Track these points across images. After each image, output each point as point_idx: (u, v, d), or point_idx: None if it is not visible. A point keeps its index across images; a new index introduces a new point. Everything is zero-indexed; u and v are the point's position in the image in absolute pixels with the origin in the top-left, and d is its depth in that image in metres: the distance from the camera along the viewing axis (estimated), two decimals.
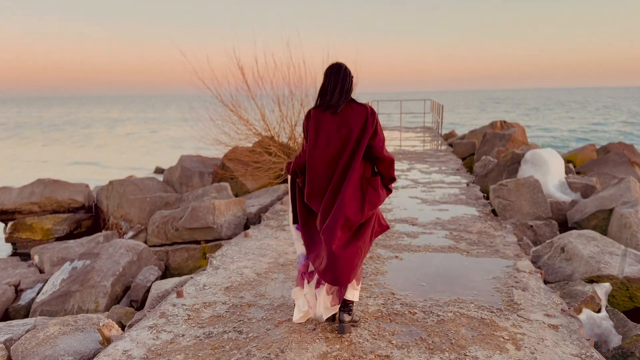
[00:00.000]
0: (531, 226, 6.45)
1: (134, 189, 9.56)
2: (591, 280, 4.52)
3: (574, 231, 5.17)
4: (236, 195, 9.08)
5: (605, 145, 12.82)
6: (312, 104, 9.91)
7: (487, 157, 10.55)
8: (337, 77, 3.00)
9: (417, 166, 10.74)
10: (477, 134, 15.39)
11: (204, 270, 4.67)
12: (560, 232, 6.46)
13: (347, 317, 3.20)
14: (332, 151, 2.99)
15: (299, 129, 9.75)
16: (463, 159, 13.37)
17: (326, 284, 3.10)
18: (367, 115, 2.99)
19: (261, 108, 9.17)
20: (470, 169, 12.30)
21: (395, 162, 3.84)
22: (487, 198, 7.88)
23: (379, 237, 5.46)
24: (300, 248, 3.33)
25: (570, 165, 8.87)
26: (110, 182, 9.91)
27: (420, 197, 7.66)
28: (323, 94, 3.04)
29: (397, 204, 7.20)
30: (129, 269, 5.94)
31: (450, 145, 15.27)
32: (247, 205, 7.90)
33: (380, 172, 3.11)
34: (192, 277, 4.49)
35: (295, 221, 3.35)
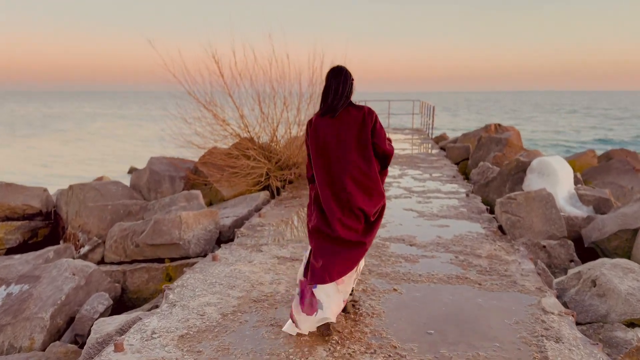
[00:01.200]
0: (544, 247, 5.64)
1: (95, 194, 8.55)
2: (631, 324, 3.71)
3: (605, 260, 4.36)
4: (210, 204, 8.15)
5: (607, 151, 12.14)
6: (295, 102, 9.06)
7: (484, 163, 9.76)
8: (338, 80, 3.08)
9: (410, 172, 9.90)
10: (470, 138, 14.64)
11: (158, 308, 3.75)
12: (577, 254, 5.67)
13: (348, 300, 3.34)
14: (333, 155, 3.06)
15: (282, 130, 8.84)
16: (456, 164, 12.60)
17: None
18: (364, 115, 3.07)
19: (239, 106, 8.25)
20: (465, 175, 11.53)
21: None
22: (491, 211, 7.06)
23: (373, 262, 4.60)
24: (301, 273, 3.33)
25: (578, 175, 8.13)
26: (70, 187, 8.87)
27: (416, 209, 6.81)
28: (325, 96, 3.12)
29: (390, 218, 6.34)
30: (75, 296, 4.98)
31: (442, 148, 14.49)
32: (221, 216, 6.97)
33: (381, 162, 3.24)
34: (140, 319, 3.57)
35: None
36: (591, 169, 11.13)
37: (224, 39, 7.59)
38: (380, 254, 4.89)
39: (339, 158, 3.06)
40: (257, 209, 7.21)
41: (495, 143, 11.82)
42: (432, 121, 16.70)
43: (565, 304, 4.10)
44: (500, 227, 6.01)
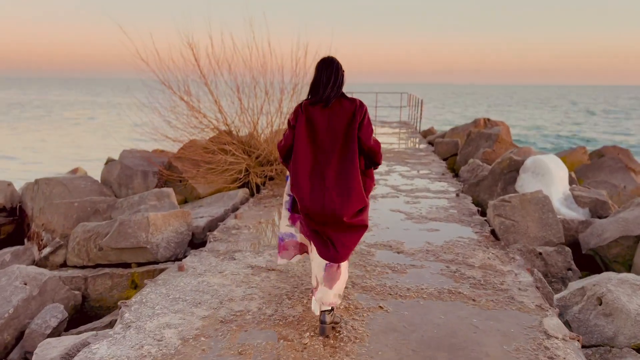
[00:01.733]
0: (540, 254, 5.26)
1: (62, 190, 8.00)
2: None
3: (612, 274, 3.98)
4: (185, 201, 7.65)
5: (599, 149, 11.84)
6: (277, 94, 8.56)
7: (474, 160, 9.38)
8: (329, 70, 3.04)
9: (397, 168, 9.49)
10: (459, 132, 14.26)
11: (111, 330, 3.28)
12: (574, 261, 5.31)
13: (328, 319, 3.19)
14: (321, 146, 3.02)
15: (264, 122, 8.34)
16: (445, 159, 12.22)
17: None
18: (356, 108, 3.04)
19: (217, 97, 7.73)
20: (453, 171, 11.15)
21: None
22: (482, 213, 6.68)
23: (357, 273, 4.17)
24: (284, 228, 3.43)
25: (573, 174, 7.78)
26: (36, 181, 8.30)
27: (404, 210, 6.39)
28: (315, 88, 3.08)
29: (377, 220, 5.92)
30: (25, 308, 4.48)
31: (430, 143, 14.11)
32: (195, 216, 6.48)
33: (366, 159, 3.17)
34: (88, 343, 3.10)
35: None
36: (583, 166, 10.83)
37: (200, 25, 7.05)
38: (365, 263, 4.46)
39: (325, 150, 3.02)
40: (235, 209, 6.73)
41: (485, 139, 11.44)
42: (421, 115, 16.30)
43: (567, 323, 3.71)
44: (492, 232, 5.62)
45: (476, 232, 5.51)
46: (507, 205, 5.66)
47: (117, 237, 5.53)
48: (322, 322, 3.16)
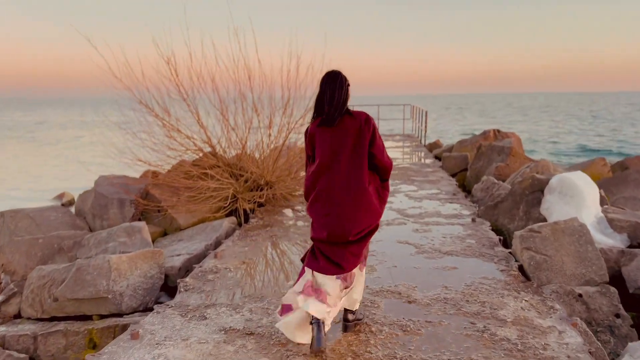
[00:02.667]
0: (580, 295, 4.35)
1: (29, 224, 7.14)
2: None
3: None
4: (165, 234, 6.77)
5: (621, 160, 10.93)
6: (266, 110, 7.72)
7: (489, 177, 8.48)
8: (333, 87, 2.94)
9: (403, 188, 8.60)
10: (467, 145, 13.39)
11: None
12: (623, 305, 4.39)
13: (350, 316, 3.30)
14: (328, 166, 2.94)
15: (253, 142, 7.49)
16: (453, 175, 11.33)
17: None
18: (361, 124, 2.95)
19: (200, 115, 6.89)
20: (464, 188, 10.26)
21: None
22: (504, 243, 5.79)
23: (359, 337, 3.28)
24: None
25: (602, 193, 6.88)
26: (1, 214, 7.46)
27: (414, 241, 5.50)
28: (319, 103, 3.01)
29: (381, 254, 5.04)
30: None
31: (437, 157, 13.24)
32: (170, 253, 5.61)
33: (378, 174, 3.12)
34: None
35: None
36: (604, 180, 9.91)
37: (180, 36, 6.25)
38: (369, 321, 3.55)
39: (331, 170, 2.93)
40: (218, 243, 5.85)
41: (497, 152, 10.56)
42: (425, 127, 15.45)
43: None
44: (521, 268, 4.71)
45: (502, 270, 4.60)
46: (537, 236, 4.75)
47: (73, 286, 4.66)
48: (345, 320, 3.34)
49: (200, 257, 5.48)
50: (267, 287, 4.29)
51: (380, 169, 3.06)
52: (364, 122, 2.95)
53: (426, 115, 15.27)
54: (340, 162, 2.91)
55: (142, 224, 5.79)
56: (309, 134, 3.06)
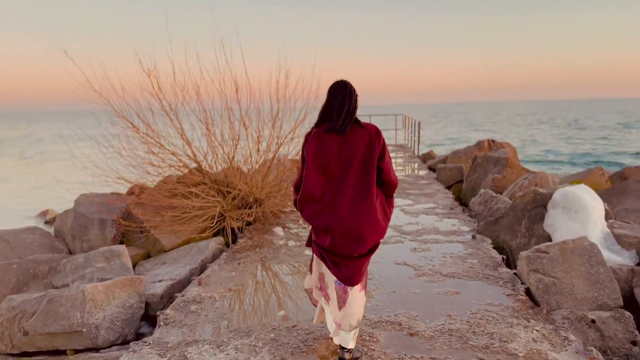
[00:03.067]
0: (593, 321, 4.04)
1: (4, 247, 6.72)
2: None
3: None
4: (148, 256, 6.39)
5: (620, 170, 10.69)
6: (254, 124, 7.41)
7: (486, 190, 8.19)
8: (343, 95, 2.84)
9: (399, 202, 8.29)
10: (461, 156, 13.13)
11: None
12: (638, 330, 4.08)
13: (347, 355, 3.09)
14: (333, 176, 2.83)
15: (241, 157, 7.15)
16: (448, 187, 11.05)
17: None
18: (372, 136, 2.83)
19: (184, 129, 6.55)
20: (460, 201, 9.97)
21: None
22: (507, 262, 5.49)
23: None
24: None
25: (606, 207, 6.60)
26: None
27: (413, 262, 5.17)
28: (327, 113, 2.87)
29: (379, 277, 4.71)
30: None
31: (431, 169, 12.96)
32: (152, 279, 5.24)
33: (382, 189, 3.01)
34: None
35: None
36: (604, 192, 9.64)
37: (163, 47, 5.93)
38: (367, 358, 3.21)
39: (337, 180, 2.82)
40: (203, 267, 5.48)
41: (494, 163, 10.28)
42: (418, 138, 15.18)
43: None
44: (528, 291, 4.40)
45: (508, 295, 4.28)
46: (545, 257, 4.45)
47: (44, 319, 4.27)
48: (341, 359, 3.10)
49: (184, 283, 5.12)
50: (255, 318, 3.93)
51: (387, 184, 2.94)
52: (374, 135, 2.83)
53: (419, 126, 15.02)
54: (349, 175, 2.79)
55: (122, 247, 5.42)
56: (312, 137, 2.88)
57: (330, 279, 3.01)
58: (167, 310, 4.05)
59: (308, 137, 2.94)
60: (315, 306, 3.25)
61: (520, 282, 4.57)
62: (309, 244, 3.14)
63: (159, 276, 5.33)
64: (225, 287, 4.60)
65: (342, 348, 3.10)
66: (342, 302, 2.96)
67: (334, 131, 2.81)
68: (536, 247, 4.60)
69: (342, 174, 2.81)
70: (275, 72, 6.80)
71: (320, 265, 3.07)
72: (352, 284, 2.92)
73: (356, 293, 2.98)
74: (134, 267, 6.00)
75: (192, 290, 4.54)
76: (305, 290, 3.28)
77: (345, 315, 2.98)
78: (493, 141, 13.32)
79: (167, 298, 4.96)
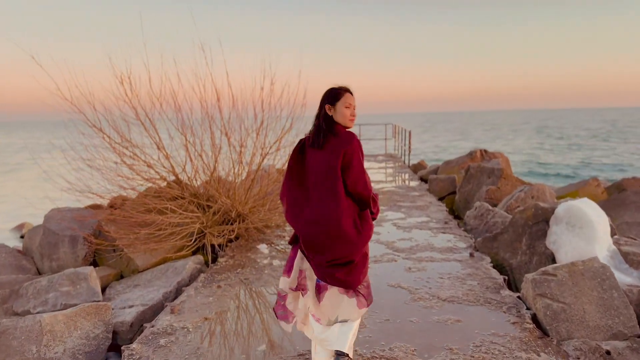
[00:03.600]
0: (608, 352, 3.65)
1: None
2: None
3: None
4: (121, 277, 5.91)
5: (618, 181, 10.40)
6: (237, 134, 6.98)
7: (482, 203, 7.82)
8: (317, 113, 2.80)
9: (390, 216, 7.89)
10: (453, 167, 12.80)
11: None
12: None
13: None
14: (306, 186, 2.77)
15: (227, 164, 6.71)
16: (441, 199, 10.69)
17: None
18: (338, 146, 2.67)
19: (160, 138, 6.10)
20: (453, 213, 9.60)
21: None
22: (508, 283, 5.11)
23: None
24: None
25: (609, 221, 6.26)
26: None
27: (407, 284, 4.76)
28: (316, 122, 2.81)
29: (373, 305, 4.26)
30: None
31: (423, 179, 12.61)
32: (122, 304, 4.76)
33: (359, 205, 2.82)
34: None
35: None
36: (601, 203, 9.34)
37: (137, 53, 5.49)
38: None
39: (309, 189, 2.75)
40: (179, 291, 5.02)
41: (487, 174, 9.94)
42: (409, 147, 14.85)
43: None
44: (534, 318, 4.01)
45: (514, 323, 3.87)
46: (553, 280, 4.06)
47: None
48: None
49: (156, 309, 4.65)
50: (233, 355, 3.48)
51: (356, 198, 2.74)
52: (343, 144, 2.67)
53: (409, 135, 14.69)
54: (317, 186, 2.71)
55: (89, 269, 4.94)
56: (300, 147, 2.84)
57: (312, 275, 2.87)
58: (133, 345, 3.58)
59: (299, 144, 2.87)
60: (277, 317, 2.95)
61: (525, 307, 4.18)
62: (292, 242, 2.96)
63: (130, 301, 4.86)
64: (200, 315, 4.14)
65: (338, 354, 2.82)
66: (320, 298, 2.82)
67: (313, 144, 2.75)
68: (542, 269, 4.21)
69: (312, 184, 2.74)
70: (260, 78, 6.39)
71: (303, 262, 2.88)
72: (328, 281, 2.77)
73: (338, 294, 2.80)
74: (104, 289, 5.52)
75: (164, 320, 4.07)
76: (277, 292, 2.98)
77: (323, 312, 2.82)
78: (485, 151, 13.02)
79: (138, 326, 4.49)
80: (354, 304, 2.80)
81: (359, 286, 2.82)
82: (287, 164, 2.92)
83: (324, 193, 2.68)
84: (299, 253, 2.87)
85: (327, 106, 2.75)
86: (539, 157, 38.00)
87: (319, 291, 2.83)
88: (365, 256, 2.84)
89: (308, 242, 2.72)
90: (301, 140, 2.88)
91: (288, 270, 2.89)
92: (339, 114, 2.73)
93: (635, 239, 5.90)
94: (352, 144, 2.67)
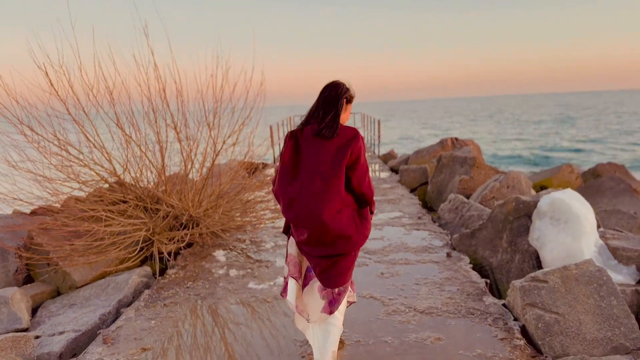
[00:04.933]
0: None
1: None
2: None
3: None
4: (58, 293, 5.19)
5: (593, 167, 10.13)
6: (189, 127, 6.29)
7: (456, 195, 7.37)
8: (331, 99, 2.71)
9: None
10: (424, 156, 12.37)
11: None
12: None
13: None
14: (304, 177, 2.66)
15: (177, 160, 6.03)
16: (412, 190, 10.24)
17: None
18: (345, 142, 2.65)
19: (96, 134, 5.36)
20: (426, 206, 9.15)
21: None
22: (490, 287, 4.63)
23: None
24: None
25: (594, 213, 5.85)
26: None
27: (381, 294, 4.22)
28: (314, 116, 2.75)
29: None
30: None
31: (393, 170, 12.14)
32: (51, 331, 4.07)
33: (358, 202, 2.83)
34: None
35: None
36: (577, 191, 9.05)
37: (64, 38, 4.74)
38: None
39: (307, 180, 2.64)
40: (120, 309, 4.35)
41: (460, 163, 9.52)
42: (379, 137, 14.34)
43: None
44: (523, 330, 3.53)
45: (502, 339, 3.38)
46: (544, 287, 3.58)
47: None
48: None
49: (91, 336, 3.98)
50: None
51: (358, 197, 2.76)
52: (349, 141, 2.65)
53: (379, 124, 14.18)
54: (316, 179, 2.63)
55: (12, 291, 4.22)
56: (291, 137, 2.76)
57: (305, 265, 2.88)
58: None
59: (290, 135, 2.78)
60: (284, 297, 2.87)
61: (512, 318, 3.70)
62: (285, 231, 2.99)
63: (61, 325, 4.17)
64: (138, 345, 3.50)
65: None
66: (305, 285, 2.85)
67: (319, 135, 2.66)
68: (531, 274, 3.72)
69: (311, 176, 2.65)
70: (212, 65, 5.71)
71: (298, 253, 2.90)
72: (320, 276, 2.76)
73: (314, 291, 2.79)
74: (37, 308, 4.80)
75: (94, 352, 3.42)
76: (284, 277, 2.91)
77: (305, 304, 2.85)
78: (456, 139, 12.63)
79: (69, 356, 3.82)
80: (320, 306, 2.77)
81: (339, 288, 2.77)
82: (279, 160, 2.82)
83: (324, 188, 2.62)
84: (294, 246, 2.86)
85: (345, 101, 2.74)
86: (497, 143, 38.29)
87: (305, 280, 2.83)
88: (354, 257, 2.81)
89: (307, 239, 2.69)
90: (292, 132, 2.78)
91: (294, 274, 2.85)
92: (346, 112, 2.78)
93: (622, 231, 5.52)
94: (358, 141, 2.67)
